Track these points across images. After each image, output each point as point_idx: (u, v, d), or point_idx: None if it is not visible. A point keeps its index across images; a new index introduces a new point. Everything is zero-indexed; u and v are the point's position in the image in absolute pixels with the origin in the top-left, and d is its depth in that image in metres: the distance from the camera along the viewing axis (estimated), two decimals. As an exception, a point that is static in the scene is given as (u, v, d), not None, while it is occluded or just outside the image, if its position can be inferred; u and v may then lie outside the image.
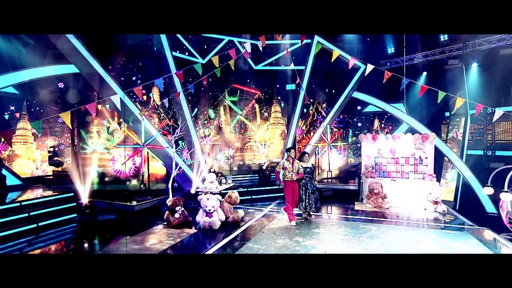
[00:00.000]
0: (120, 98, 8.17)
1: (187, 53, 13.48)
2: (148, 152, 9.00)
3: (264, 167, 11.47)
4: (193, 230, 5.99)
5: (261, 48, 8.36)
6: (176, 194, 7.21)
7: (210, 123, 16.87)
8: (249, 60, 14.77)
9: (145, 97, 14.38)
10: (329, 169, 11.48)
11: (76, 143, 13.44)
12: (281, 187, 6.62)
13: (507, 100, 12.08)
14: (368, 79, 9.78)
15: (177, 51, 12.76)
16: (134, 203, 7.08)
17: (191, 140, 10.66)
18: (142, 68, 13.26)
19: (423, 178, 8.30)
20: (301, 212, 6.83)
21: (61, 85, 11.90)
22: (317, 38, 11.87)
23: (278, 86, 17.06)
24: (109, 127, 14.52)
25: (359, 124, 17.58)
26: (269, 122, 18.06)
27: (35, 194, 7.33)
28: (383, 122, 17.33)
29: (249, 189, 9.49)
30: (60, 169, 12.67)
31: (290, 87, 16.17)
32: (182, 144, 12.49)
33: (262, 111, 18.23)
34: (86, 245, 5.51)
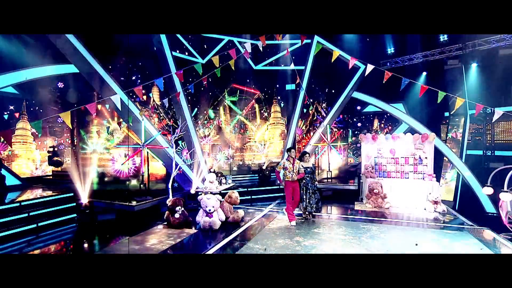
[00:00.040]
0: (120, 98, 8.16)
1: (187, 53, 13.49)
2: (148, 152, 9.00)
3: (264, 167, 11.47)
4: (193, 230, 5.99)
5: (261, 48, 8.35)
6: (176, 194, 7.20)
7: (210, 123, 16.86)
8: (249, 60, 14.78)
9: (145, 97, 14.37)
10: (329, 169, 11.47)
11: (75, 143, 13.42)
12: (281, 187, 6.62)
13: (506, 100, 12.09)
14: (368, 79, 9.77)
15: (177, 51, 12.77)
16: (134, 203, 7.06)
17: (191, 140, 10.65)
18: (142, 68, 13.26)
19: (423, 178, 8.31)
20: (301, 212, 6.85)
21: (61, 85, 11.90)
22: (317, 38, 11.87)
23: (278, 86, 17.06)
24: (109, 127, 14.51)
25: (359, 124, 17.55)
26: (269, 122, 18.05)
27: (34, 194, 7.33)
28: (383, 122, 17.32)
29: (249, 189, 9.49)
30: (59, 169, 12.62)
31: (290, 87, 16.17)
32: (182, 144, 12.49)
33: (262, 111, 18.22)
34: (86, 245, 5.51)
